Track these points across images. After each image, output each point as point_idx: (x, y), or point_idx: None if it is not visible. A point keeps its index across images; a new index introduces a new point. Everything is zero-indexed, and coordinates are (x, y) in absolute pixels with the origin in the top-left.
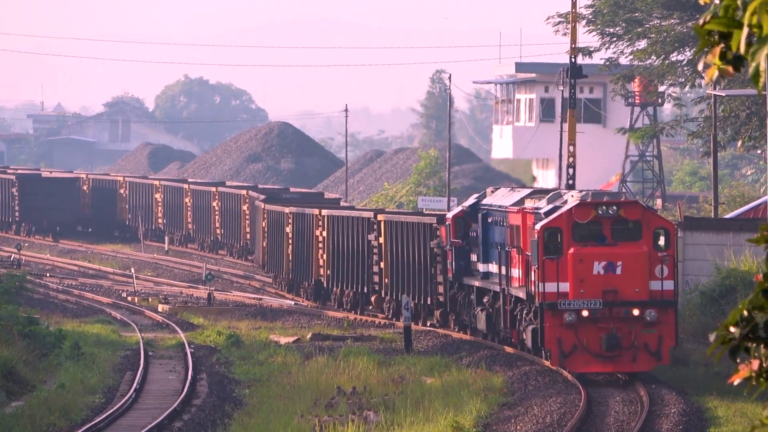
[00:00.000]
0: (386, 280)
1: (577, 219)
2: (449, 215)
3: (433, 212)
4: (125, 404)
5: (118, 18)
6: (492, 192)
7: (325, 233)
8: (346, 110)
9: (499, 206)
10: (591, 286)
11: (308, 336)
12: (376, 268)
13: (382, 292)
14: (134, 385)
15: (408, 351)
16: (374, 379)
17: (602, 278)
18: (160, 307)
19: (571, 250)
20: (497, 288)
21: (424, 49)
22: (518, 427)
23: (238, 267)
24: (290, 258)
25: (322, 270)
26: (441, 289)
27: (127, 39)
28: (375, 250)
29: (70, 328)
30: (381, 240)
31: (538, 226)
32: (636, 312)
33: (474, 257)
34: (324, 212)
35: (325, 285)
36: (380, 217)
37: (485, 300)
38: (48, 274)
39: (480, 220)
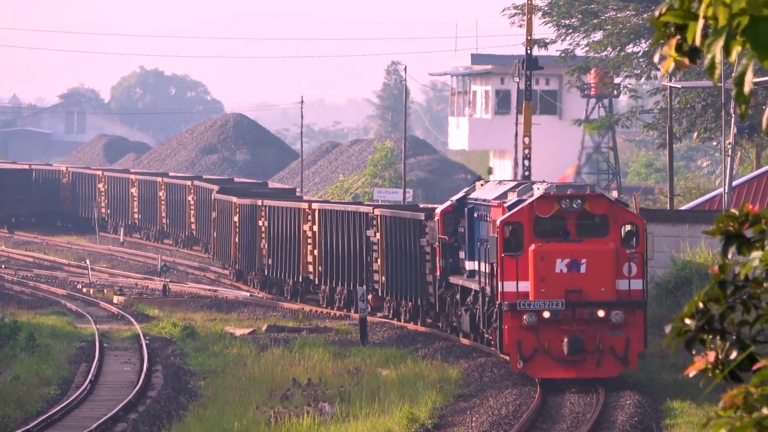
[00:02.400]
0: (383, 279)
1: (538, 213)
2: (438, 210)
3: (428, 206)
4: (80, 396)
5: (73, 9)
6: (481, 185)
7: (316, 228)
8: (302, 102)
9: (484, 200)
10: (553, 285)
11: (263, 328)
12: (375, 266)
13: (380, 290)
14: (89, 376)
15: (363, 343)
16: (330, 371)
17: (565, 277)
18: (115, 299)
19: (532, 247)
20: (477, 287)
21: (380, 41)
22: (473, 419)
23: (194, 258)
24: (264, 253)
25: (311, 267)
26: (431, 289)
27: (82, 30)
28: (375, 247)
29: (25, 320)
30: (377, 236)
31: (498, 221)
32: (601, 313)
33: (462, 254)
34: (315, 206)
35: (316, 282)
36: (377, 211)
37: (468, 300)
38: (2, 266)
39: (466, 214)
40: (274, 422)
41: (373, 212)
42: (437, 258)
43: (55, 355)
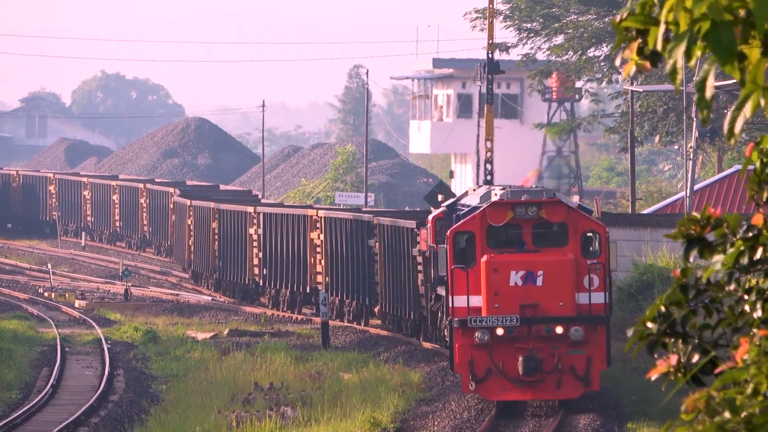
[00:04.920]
0: (381, 291)
1: (491, 222)
2: (429, 217)
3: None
4: (42, 400)
5: (34, 13)
6: (474, 190)
7: (323, 237)
8: (263, 105)
9: (469, 206)
10: (507, 299)
11: (225, 332)
12: (377, 277)
13: (381, 303)
14: (51, 380)
15: (325, 347)
16: (291, 375)
17: (520, 290)
18: (77, 303)
19: (484, 258)
20: None
21: (342, 45)
22: (436, 423)
23: (155, 263)
24: (255, 263)
25: (320, 277)
26: (424, 301)
27: (43, 34)
28: (376, 257)
29: None
30: (377, 246)
31: (448, 231)
32: (559, 330)
33: None
34: (321, 213)
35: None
36: (375, 220)
37: None
38: None
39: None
40: (236, 426)
41: (373, 220)
42: (430, 268)
43: (16, 359)
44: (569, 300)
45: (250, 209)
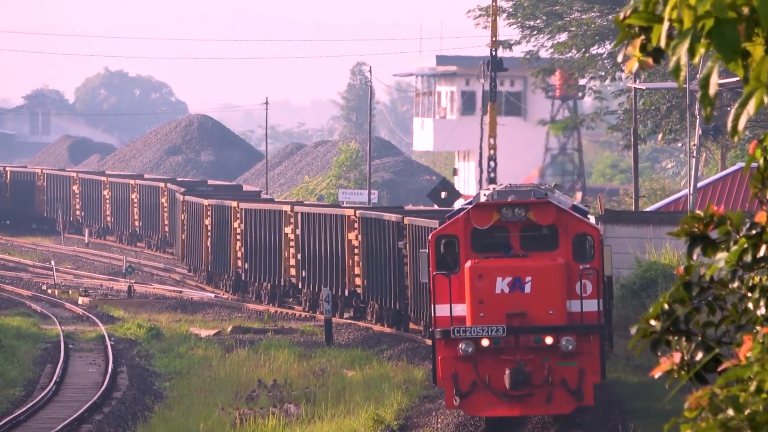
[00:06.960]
0: (411, 294)
1: (475, 224)
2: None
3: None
4: (45, 397)
5: (37, 10)
6: (495, 189)
7: (360, 237)
8: (267, 103)
9: None
10: (493, 308)
11: (229, 329)
12: (406, 281)
13: (410, 308)
14: (54, 377)
15: (329, 344)
16: (295, 372)
17: (507, 298)
18: (80, 300)
19: (468, 264)
20: None
21: (345, 42)
22: (439, 420)
23: (158, 260)
24: (291, 264)
25: (358, 280)
26: None
27: (47, 31)
28: (405, 260)
29: None
30: (407, 247)
31: (430, 235)
32: (549, 340)
33: None
34: (359, 213)
35: (362, 297)
36: (406, 220)
37: None
38: None
39: None
40: (240, 423)
41: (403, 221)
42: None
43: (20, 356)
44: (560, 308)
45: (287, 208)
